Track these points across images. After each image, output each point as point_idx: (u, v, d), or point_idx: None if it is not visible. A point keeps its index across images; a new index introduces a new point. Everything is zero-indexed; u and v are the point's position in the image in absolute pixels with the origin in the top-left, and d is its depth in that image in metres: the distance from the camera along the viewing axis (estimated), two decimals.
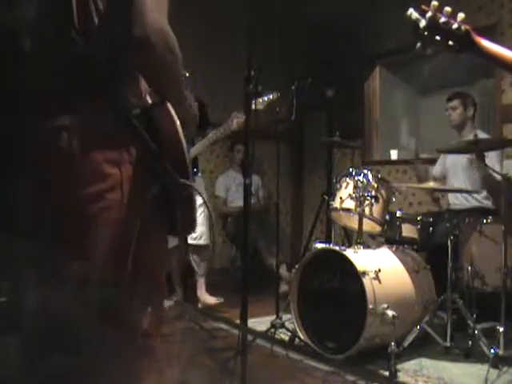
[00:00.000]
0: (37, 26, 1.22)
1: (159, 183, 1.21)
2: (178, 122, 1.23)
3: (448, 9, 1.44)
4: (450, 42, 1.44)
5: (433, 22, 1.41)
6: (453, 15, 1.44)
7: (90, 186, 1.17)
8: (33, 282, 1.16)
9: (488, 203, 3.67)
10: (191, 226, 1.32)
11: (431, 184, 3.23)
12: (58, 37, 1.19)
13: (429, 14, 1.41)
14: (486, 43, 1.51)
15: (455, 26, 1.43)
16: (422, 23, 1.41)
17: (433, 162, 4.35)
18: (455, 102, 3.76)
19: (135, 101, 1.24)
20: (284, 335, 3.11)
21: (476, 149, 2.99)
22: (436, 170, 4.02)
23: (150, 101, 1.31)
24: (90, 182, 1.17)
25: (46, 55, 1.22)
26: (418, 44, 1.47)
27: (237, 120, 3.14)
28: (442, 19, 1.42)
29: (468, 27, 1.45)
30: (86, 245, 1.17)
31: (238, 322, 2.29)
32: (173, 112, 1.23)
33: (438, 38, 1.43)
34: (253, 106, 2.54)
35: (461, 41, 1.45)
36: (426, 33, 1.43)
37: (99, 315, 1.12)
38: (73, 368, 1.11)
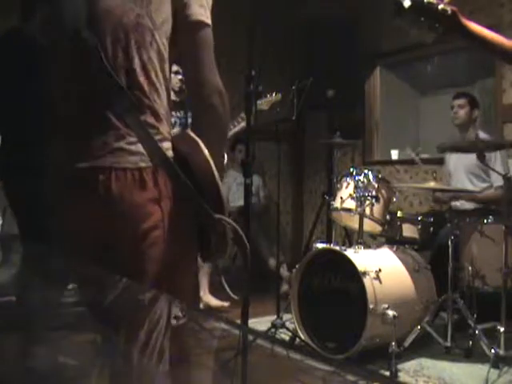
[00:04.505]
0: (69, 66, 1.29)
1: (196, 216, 1.26)
2: (214, 167, 1.28)
3: None
4: (436, 24, 1.39)
5: (417, 2, 1.36)
6: None
7: (135, 226, 1.23)
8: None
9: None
10: (223, 254, 1.39)
11: (431, 184, 3.22)
12: (93, 75, 1.24)
13: None
14: (473, 26, 1.46)
15: (441, 6, 1.38)
16: (407, 3, 1.35)
17: (433, 162, 4.35)
18: (463, 100, 3.73)
19: (166, 142, 1.29)
20: (284, 335, 3.12)
21: (476, 148, 2.98)
22: (443, 172, 4.01)
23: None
24: (135, 223, 1.23)
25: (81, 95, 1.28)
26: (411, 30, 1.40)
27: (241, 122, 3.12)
28: None
29: (455, 8, 1.40)
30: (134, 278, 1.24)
31: (238, 321, 2.28)
32: (208, 156, 1.28)
33: (422, 18, 1.38)
34: (256, 107, 2.55)
35: (447, 22, 1.40)
36: (410, 13, 1.36)
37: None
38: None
